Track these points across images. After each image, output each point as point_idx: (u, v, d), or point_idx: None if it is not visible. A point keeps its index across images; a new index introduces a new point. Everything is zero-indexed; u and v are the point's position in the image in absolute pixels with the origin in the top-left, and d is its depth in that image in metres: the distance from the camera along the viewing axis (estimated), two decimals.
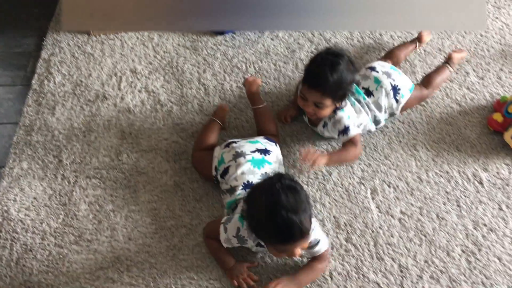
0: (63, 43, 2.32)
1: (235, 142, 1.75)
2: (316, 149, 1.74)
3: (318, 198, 1.81)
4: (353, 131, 1.81)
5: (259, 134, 1.88)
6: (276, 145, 1.80)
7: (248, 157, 1.68)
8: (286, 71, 2.22)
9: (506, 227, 1.73)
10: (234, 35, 2.37)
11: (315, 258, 1.60)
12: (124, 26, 2.35)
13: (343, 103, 1.81)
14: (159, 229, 1.73)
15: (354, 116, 1.86)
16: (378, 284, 1.60)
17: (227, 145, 1.75)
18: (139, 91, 2.14)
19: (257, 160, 1.68)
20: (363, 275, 1.62)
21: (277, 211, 1.35)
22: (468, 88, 2.16)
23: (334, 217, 1.76)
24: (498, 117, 1.97)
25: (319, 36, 2.38)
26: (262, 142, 1.76)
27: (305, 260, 1.64)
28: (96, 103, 2.09)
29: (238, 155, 1.69)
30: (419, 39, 2.27)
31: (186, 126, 2.02)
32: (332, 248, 1.68)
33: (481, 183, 1.85)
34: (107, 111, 2.06)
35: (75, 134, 1.98)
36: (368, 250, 1.68)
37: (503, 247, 1.69)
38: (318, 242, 1.55)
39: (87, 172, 1.87)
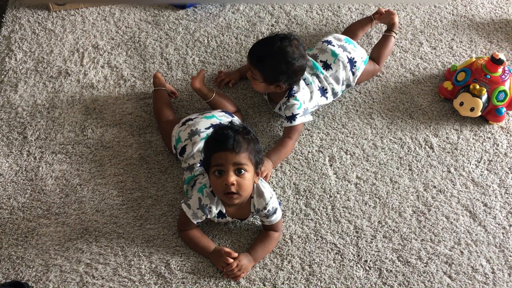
0: (23, 20, 2.31)
1: (191, 119, 1.80)
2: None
3: (279, 166, 1.89)
4: (298, 121, 1.89)
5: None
6: (232, 117, 1.86)
7: (203, 135, 1.73)
8: (247, 44, 2.27)
9: (454, 188, 1.85)
10: (195, 9, 2.40)
11: (271, 227, 1.68)
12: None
13: (295, 87, 1.88)
14: (125, 200, 1.78)
15: (307, 101, 1.93)
16: (335, 245, 1.71)
17: (184, 123, 1.80)
18: (102, 67, 2.16)
19: None
20: (321, 237, 1.73)
21: (223, 128, 1.56)
22: (421, 58, 2.26)
23: (294, 184, 1.85)
24: (448, 85, 2.08)
25: (279, 9, 2.42)
26: (217, 116, 1.81)
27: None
28: (59, 79, 2.11)
29: (193, 133, 1.74)
30: (377, 12, 2.29)
31: (149, 100, 2.06)
32: (292, 213, 1.77)
33: (431, 148, 1.96)
34: (70, 87, 2.08)
35: (39, 111, 2.00)
36: (326, 214, 1.78)
37: (450, 207, 1.81)
38: (275, 211, 1.63)
39: (53, 148, 1.90)
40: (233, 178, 1.49)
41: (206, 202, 1.60)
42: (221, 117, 1.82)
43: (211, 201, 1.60)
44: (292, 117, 1.88)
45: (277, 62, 1.79)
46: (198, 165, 1.71)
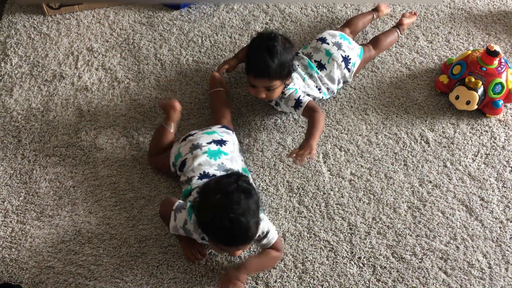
0: (19, 25, 2.33)
1: (192, 135, 1.77)
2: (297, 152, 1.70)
3: (273, 164, 1.88)
4: (305, 98, 1.86)
5: (213, 118, 1.92)
6: (232, 133, 1.83)
7: (205, 149, 1.69)
8: (241, 43, 2.26)
9: (450, 183, 1.83)
10: (189, 10, 2.40)
11: (269, 247, 1.61)
12: None
13: (289, 79, 1.87)
14: (118, 201, 1.78)
15: (302, 86, 1.92)
16: (329, 242, 1.69)
17: (184, 139, 1.77)
18: (96, 69, 2.17)
19: (213, 152, 1.69)
20: (314, 234, 1.71)
21: (227, 213, 1.36)
22: (417, 52, 2.23)
23: (287, 181, 1.83)
24: (444, 78, 2.05)
25: (274, 7, 2.41)
26: (218, 132, 1.78)
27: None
28: (53, 83, 2.12)
29: (195, 147, 1.70)
30: (377, 9, 2.31)
31: (143, 101, 2.06)
32: (285, 211, 1.76)
33: (427, 142, 1.94)
34: (64, 90, 2.09)
35: (34, 114, 2.02)
36: (320, 211, 1.76)
37: (446, 202, 1.78)
38: (266, 235, 1.56)
39: (47, 151, 1.91)
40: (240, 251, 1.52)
41: (190, 228, 1.55)
42: (222, 133, 1.78)
43: (195, 230, 1.55)
44: (298, 102, 1.84)
45: (282, 60, 1.76)
46: (197, 177, 1.65)
